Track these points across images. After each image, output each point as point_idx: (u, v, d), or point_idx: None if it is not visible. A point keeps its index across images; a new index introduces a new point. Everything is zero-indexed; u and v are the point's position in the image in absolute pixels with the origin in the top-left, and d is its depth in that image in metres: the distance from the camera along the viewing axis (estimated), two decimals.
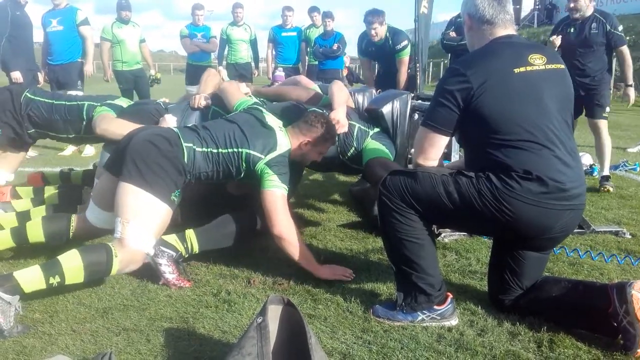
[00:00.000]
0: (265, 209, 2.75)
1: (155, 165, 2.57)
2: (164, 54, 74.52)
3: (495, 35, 2.31)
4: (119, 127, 3.28)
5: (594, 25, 4.84)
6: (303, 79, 4.37)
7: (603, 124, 4.96)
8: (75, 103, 3.66)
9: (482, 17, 2.31)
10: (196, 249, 2.85)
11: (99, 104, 3.62)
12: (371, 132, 3.49)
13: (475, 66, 2.20)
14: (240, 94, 3.34)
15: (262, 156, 2.78)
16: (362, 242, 3.42)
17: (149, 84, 8.12)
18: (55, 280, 2.30)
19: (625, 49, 4.89)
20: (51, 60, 6.73)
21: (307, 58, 8.69)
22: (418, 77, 5.29)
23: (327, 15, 8.02)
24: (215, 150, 2.77)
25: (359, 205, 4.25)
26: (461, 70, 2.19)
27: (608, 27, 4.80)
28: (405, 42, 6.00)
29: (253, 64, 8.94)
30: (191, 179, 2.76)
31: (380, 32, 5.92)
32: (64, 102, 3.65)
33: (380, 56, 6.29)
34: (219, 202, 3.37)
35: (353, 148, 3.44)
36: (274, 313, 1.80)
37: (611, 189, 4.81)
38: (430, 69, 26.32)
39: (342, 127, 3.28)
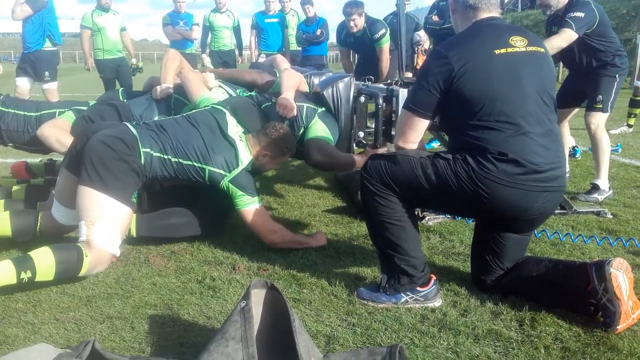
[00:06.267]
0: (248, 225, 2.93)
1: (113, 168, 2.57)
2: (147, 43, 73.69)
3: (478, 17, 2.32)
4: (56, 141, 3.43)
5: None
6: (278, 57, 4.37)
7: (594, 118, 4.20)
8: (47, 111, 3.64)
9: (466, 2, 2.32)
10: (133, 232, 2.91)
11: (67, 109, 3.62)
12: (319, 110, 3.55)
13: (457, 48, 2.21)
14: (202, 88, 3.37)
15: (225, 173, 2.83)
16: (346, 227, 3.43)
17: (131, 72, 8.02)
18: (26, 276, 2.28)
19: (563, 31, 3.81)
20: (25, 49, 6.55)
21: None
22: (401, 60, 5.22)
23: (306, 2, 7.96)
24: (174, 159, 2.77)
25: (343, 191, 4.26)
26: (443, 52, 2.20)
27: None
28: (382, 31, 5.96)
29: (237, 51, 8.87)
30: (148, 180, 2.78)
31: (359, 23, 5.89)
32: (33, 113, 3.62)
33: (360, 46, 6.27)
34: (187, 194, 3.37)
35: (302, 129, 3.48)
36: (258, 297, 1.80)
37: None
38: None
39: (289, 111, 3.34)
